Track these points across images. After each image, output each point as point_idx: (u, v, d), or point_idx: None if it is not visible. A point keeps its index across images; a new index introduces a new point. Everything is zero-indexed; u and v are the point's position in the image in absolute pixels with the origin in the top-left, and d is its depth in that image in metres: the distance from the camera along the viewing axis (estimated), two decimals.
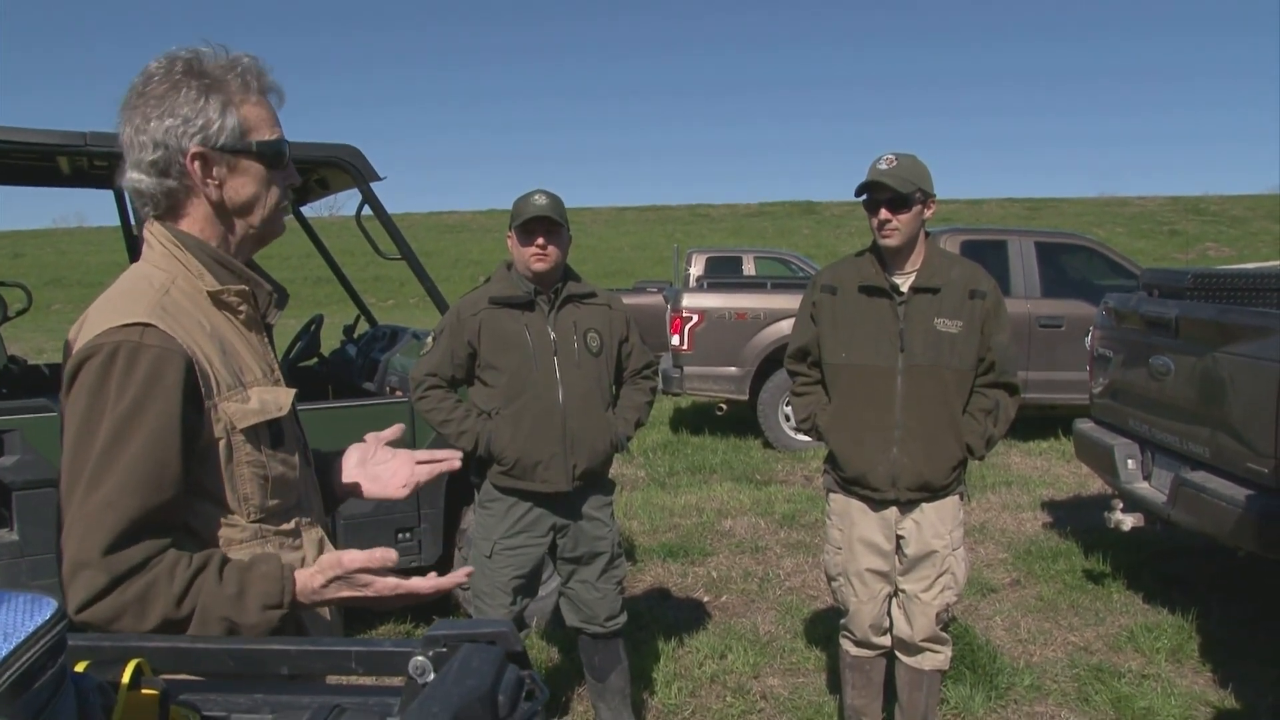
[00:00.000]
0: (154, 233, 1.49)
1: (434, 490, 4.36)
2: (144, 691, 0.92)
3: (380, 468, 1.76)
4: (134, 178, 1.46)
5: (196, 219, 1.49)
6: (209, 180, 1.46)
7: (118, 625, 1.28)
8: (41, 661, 0.71)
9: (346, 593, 1.42)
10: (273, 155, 1.51)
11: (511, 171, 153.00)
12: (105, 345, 1.33)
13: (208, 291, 1.48)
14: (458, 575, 1.50)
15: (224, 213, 1.50)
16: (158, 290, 1.41)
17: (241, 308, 1.53)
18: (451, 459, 1.76)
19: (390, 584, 1.43)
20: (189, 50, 1.46)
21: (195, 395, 1.37)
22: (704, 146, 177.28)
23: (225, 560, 1.38)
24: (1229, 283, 4.82)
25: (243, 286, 1.52)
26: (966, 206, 43.73)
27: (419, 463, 1.75)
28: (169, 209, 1.49)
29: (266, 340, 1.60)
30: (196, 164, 1.44)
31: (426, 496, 4.36)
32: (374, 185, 4.34)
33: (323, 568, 1.40)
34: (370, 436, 1.80)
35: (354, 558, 1.40)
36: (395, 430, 1.79)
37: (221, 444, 1.41)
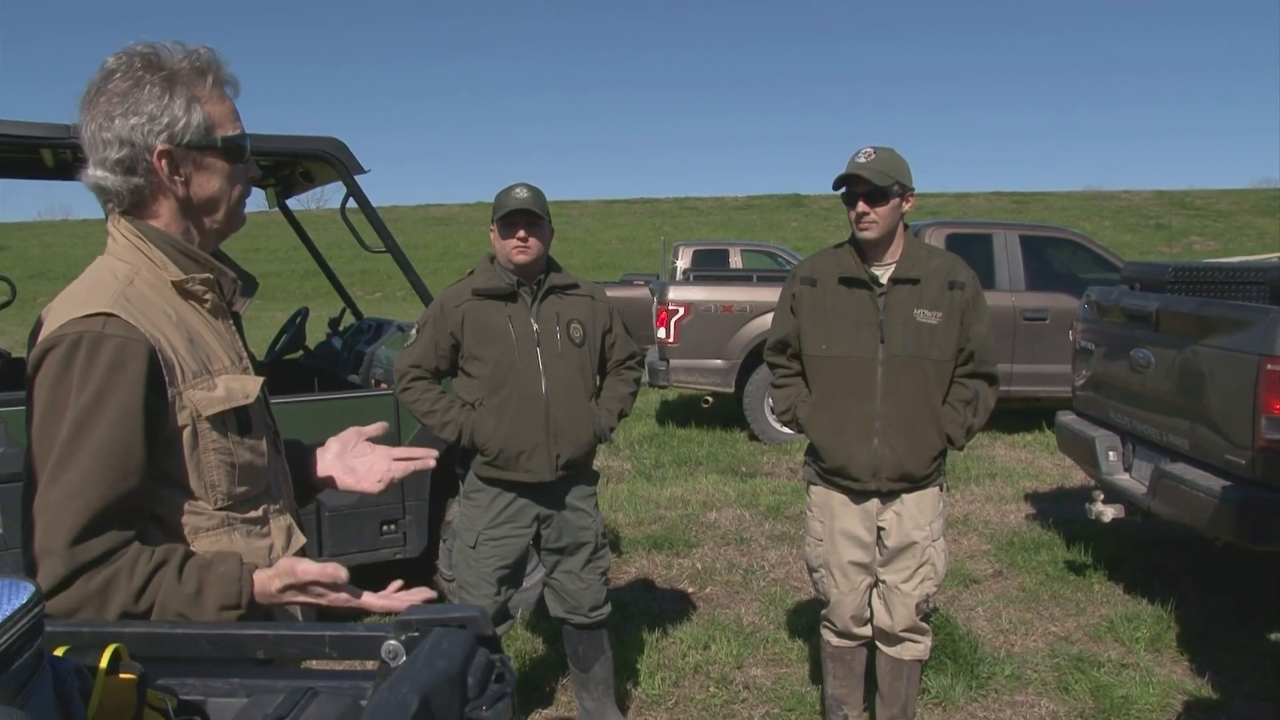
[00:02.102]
0: (117, 226, 1.50)
1: (418, 482, 4.37)
2: (122, 676, 0.93)
3: (358, 461, 1.77)
4: (98, 175, 1.46)
5: (162, 215, 1.50)
6: (175, 178, 1.47)
7: (77, 617, 1.29)
8: (19, 643, 0.73)
9: (302, 599, 1.43)
10: (235, 150, 1.51)
11: (499, 165, 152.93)
12: (68, 336, 1.34)
13: (172, 281, 1.49)
14: (410, 595, 1.50)
15: (190, 209, 1.51)
16: (121, 281, 1.42)
17: (207, 296, 1.53)
18: (428, 457, 1.77)
19: (343, 598, 1.45)
20: (145, 45, 1.46)
21: (159, 383, 1.37)
22: (692, 139, 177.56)
23: (187, 556, 1.39)
24: (1209, 276, 4.86)
25: (207, 275, 1.52)
26: (954, 199, 43.88)
27: (396, 459, 1.76)
28: (134, 206, 1.49)
29: (234, 328, 1.60)
30: (163, 162, 1.44)
31: (411, 488, 4.37)
32: (359, 178, 4.34)
33: (279, 573, 1.41)
34: (352, 430, 1.80)
35: (307, 569, 1.40)
36: (378, 427, 1.80)
37: (187, 431, 1.41)
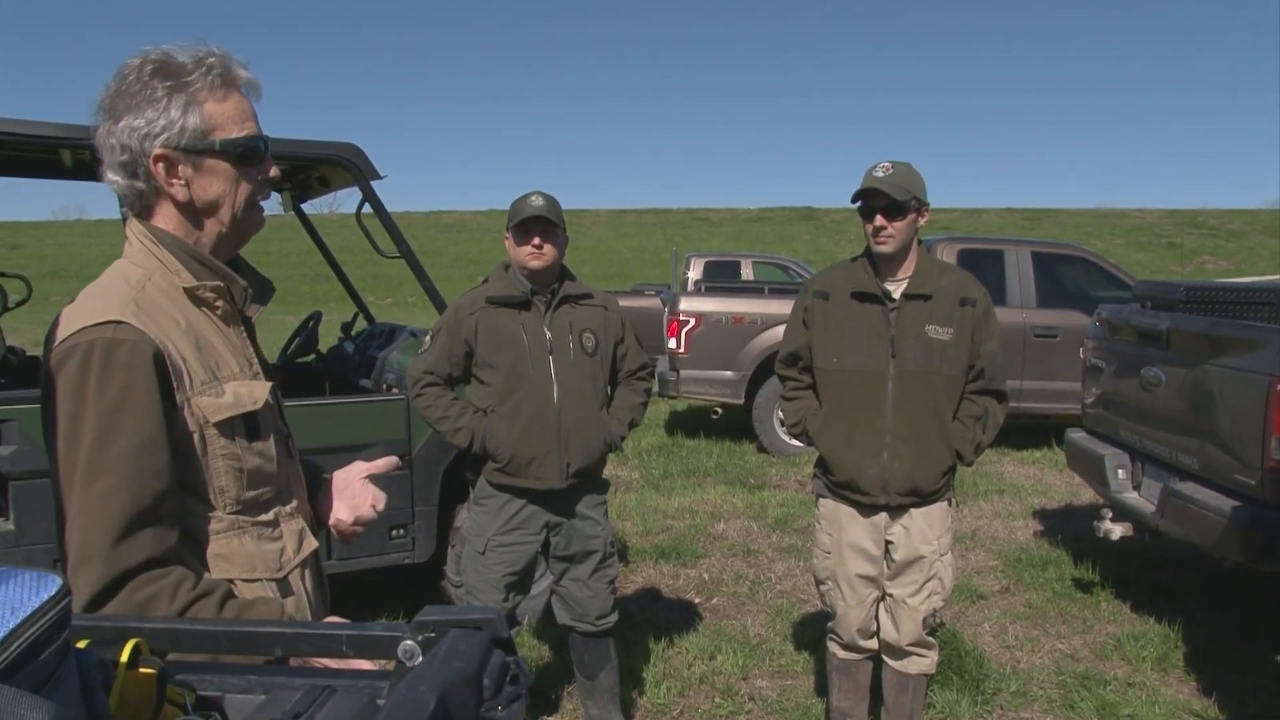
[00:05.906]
0: (133, 230, 1.52)
1: (428, 488, 4.39)
2: (142, 670, 0.94)
3: (354, 500, 1.78)
4: (110, 178, 1.48)
5: (169, 218, 1.51)
6: (174, 181, 1.47)
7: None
8: (47, 634, 0.74)
9: None
10: (240, 152, 1.50)
11: (511, 172, 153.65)
12: (80, 345, 1.36)
13: (184, 288, 1.50)
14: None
15: (193, 212, 1.51)
16: (133, 287, 1.44)
17: (218, 303, 1.54)
18: (389, 464, 1.82)
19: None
20: (160, 49, 1.47)
21: (167, 389, 1.39)
22: (705, 150, 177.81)
23: (229, 594, 1.41)
24: (1220, 296, 4.86)
25: (218, 283, 1.54)
26: (966, 215, 43.77)
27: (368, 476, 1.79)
28: (143, 209, 1.51)
29: (246, 334, 1.61)
30: (160, 166, 1.46)
31: (420, 494, 4.38)
32: (374, 184, 4.37)
33: None
34: (360, 465, 1.81)
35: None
36: (387, 463, 1.82)
37: (195, 437, 1.43)
